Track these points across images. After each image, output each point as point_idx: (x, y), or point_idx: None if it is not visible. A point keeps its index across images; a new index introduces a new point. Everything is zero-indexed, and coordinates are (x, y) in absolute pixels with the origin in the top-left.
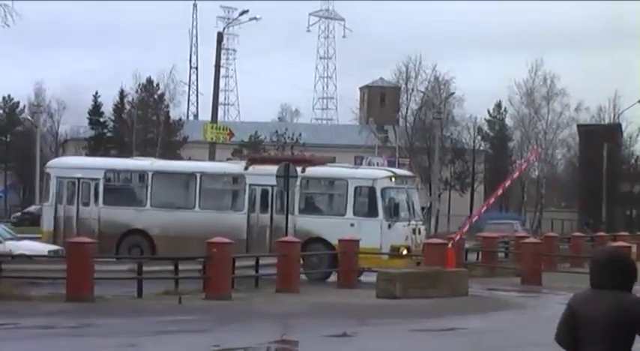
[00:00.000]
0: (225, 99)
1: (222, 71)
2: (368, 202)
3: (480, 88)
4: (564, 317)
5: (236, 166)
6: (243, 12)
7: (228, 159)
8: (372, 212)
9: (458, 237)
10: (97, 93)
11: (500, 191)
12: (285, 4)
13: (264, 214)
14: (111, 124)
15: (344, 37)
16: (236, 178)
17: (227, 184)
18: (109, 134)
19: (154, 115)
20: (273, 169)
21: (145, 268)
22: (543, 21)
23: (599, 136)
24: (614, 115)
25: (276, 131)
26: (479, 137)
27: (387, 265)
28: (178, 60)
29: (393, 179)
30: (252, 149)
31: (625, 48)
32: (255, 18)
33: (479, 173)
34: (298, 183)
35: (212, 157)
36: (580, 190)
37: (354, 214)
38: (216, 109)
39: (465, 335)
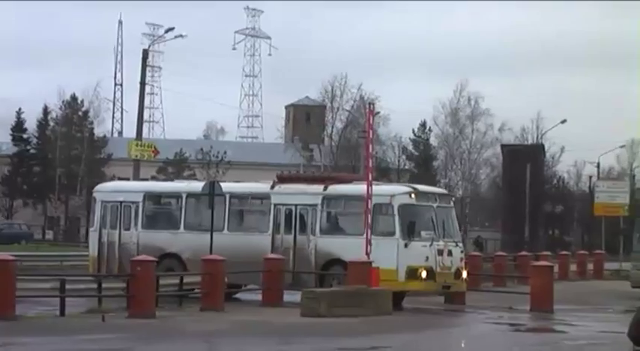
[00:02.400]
0: (150, 116)
1: (147, 88)
2: (385, 220)
3: (405, 107)
4: (638, 317)
5: (263, 186)
6: (169, 29)
7: (153, 177)
8: (389, 231)
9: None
10: (20, 109)
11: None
12: (211, 22)
13: (287, 235)
14: (34, 140)
15: (270, 55)
16: (262, 198)
17: (254, 204)
18: (32, 151)
19: (78, 131)
20: (299, 187)
21: (68, 287)
22: (469, 42)
23: (523, 157)
24: (537, 136)
25: (202, 149)
26: (403, 156)
27: (403, 287)
28: (103, 77)
29: (414, 195)
30: (177, 167)
31: (548, 70)
32: (180, 35)
33: None
34: (319, 202)
35: (137, 175)
36: (503, 210)
37: (373, 233)
38: (141, 126)
39: None
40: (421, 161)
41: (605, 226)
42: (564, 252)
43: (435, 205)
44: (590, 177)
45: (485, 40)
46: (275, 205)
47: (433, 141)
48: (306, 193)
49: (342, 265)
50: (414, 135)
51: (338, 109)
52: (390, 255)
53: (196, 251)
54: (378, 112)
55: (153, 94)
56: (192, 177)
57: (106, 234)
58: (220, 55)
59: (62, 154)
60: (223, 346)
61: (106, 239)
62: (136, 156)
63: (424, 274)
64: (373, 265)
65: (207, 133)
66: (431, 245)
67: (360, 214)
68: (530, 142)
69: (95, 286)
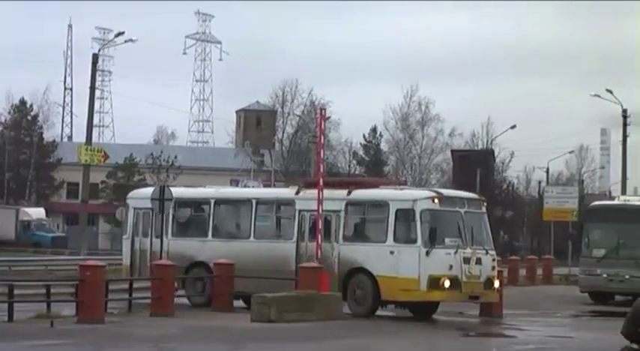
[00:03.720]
0: (100, 121)
1: (97, 93)
2: (408, 226)
3: (356, 112)
4: (630, 316)
5: (288, 191)
6: (119, 34)
7: (103, 182)
8: (411, 238)
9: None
10: None
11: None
12: (161, 26)
13: (312, 242)
14: None
15: (220, 60)
16: (287, 205)
17: (279, 210)
18: None
19: (27, 136)
20: (326, 193)
21: (16, 292)
22: (420, 48)
23: (473, 162)
24: (487, 141)
25: (152, 154)
26: (354, 161)
27: (424, 297)
28: (53, 81)
29: (437, 200)
30: (127, 172)
31: (498, 76)
32: (130, 40)
33: None
34: (343, 208)
35: (86, 179)
36: None
37: (395, 240)
38: (91, 130)
39: None
40: (372, 166)
41: (554, 231)
42: (514, 257)
43: (462, 210)
44: (540, 182)
45: (436, 45)
46: (300, 211)
47: (384, 146)
48: (330, 199)
49: (366, 275)
50: (365, 140)
51: (289, 114)
52: (412, 263)
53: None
54: (329, 117)
55: (103, 98)
56: (142, 182)
57: (138, 242)
58: (171, 60)
59: (11, 158)
60: None
61: (138, 247)
62: (86, 160)
63: (447, 283)
64: (395, 274)
65: (157, 137)
66: (456, 253)
67: (380, 220)
68: (480, 147)
69: (44, 291)
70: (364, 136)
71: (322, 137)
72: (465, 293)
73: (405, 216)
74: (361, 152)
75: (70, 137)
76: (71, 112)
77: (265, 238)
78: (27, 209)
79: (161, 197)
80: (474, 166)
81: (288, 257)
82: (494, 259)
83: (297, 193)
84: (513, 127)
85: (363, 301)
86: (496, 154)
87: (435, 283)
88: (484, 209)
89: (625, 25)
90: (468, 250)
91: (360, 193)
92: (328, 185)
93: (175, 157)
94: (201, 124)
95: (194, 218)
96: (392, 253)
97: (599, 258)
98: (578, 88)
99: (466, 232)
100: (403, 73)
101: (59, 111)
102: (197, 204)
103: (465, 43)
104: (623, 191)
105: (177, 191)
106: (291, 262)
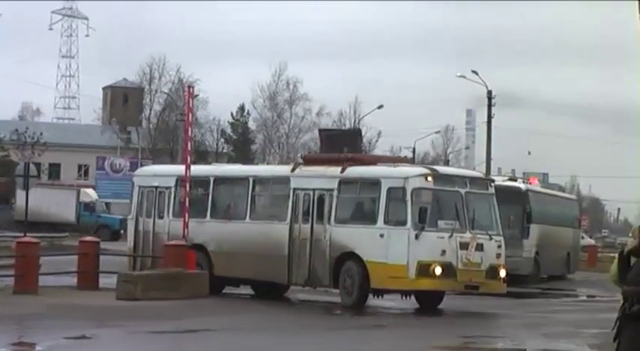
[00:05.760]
0: None
1: None
2: (399, 207)
3: (224, 91)
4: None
5: (284, 169)
6: None
7: None
8: (401, 220)
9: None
10: None
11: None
12: (26, 0)
13: (306, 224)
14: None
15: (87, 36)
16: (282, 183)
17: (275, 189)
18: None
19: None
20: (318, 170)
21: None
22: (287, 27)
23: (340, 141)
24: (355, 121)
25: (16, 130)
26: (222, 140)
27: (413, 286)
28: None
29: (430, 178)
30: None
31: (366, 56)
32: None
33: None
34: (336, 186)
35: None
36: None
37: (385, 222)
38: None
39: (208, 337)
40: (239, 144)
41: None
42: None
43: (463, 190)
44: None
45: (305, 25)
46: (294, 190)
47: (252, 125)
48: (324, 177)
49: (356, 261)
50: (233, 118)
51: (156, 91)
52: (401, 248)
53: (221, 243)
54: (197, 95)
55: None
56: (7, 158)
57: (141, 223)
58: (37, 35)
59: None
60: (37, 330)
61: (141, 228)
62: None
63: (438, 270)
64: (384, 260)
65: (22, 113)
66: (450, 237)
67: (372, 200)
68: (347, 126)
69: None
70: (232, 114)
71: (190, 115)
72: (461, 282)
73: (397, 195)
74: (229, 130)
75: None
76: None
77: (260, 219)
78: (87, 190)
79: (25, 174)
80: (341, 145)
81: (280, 240)
82: (500, 246)
83: (293, 170)
84: (380, 107)
85: (352, 290)
86: (363, 133)
87: (424, 269)
88: (491, 190)
89: (491, 7)
90: (467, 235)
91: (353, 171)
92: (324, 161)
93: (41, 133)
94: (67, 100)
95: (194, 198)
96: (382, 236)
97: None
98: (445, 69)
99: (466, 214)
100: (272, 52)
101: None
102: (197, 182)
103: (333, 24)
104: (488, 171)
105: (178, 169)
106: (284, 245)
